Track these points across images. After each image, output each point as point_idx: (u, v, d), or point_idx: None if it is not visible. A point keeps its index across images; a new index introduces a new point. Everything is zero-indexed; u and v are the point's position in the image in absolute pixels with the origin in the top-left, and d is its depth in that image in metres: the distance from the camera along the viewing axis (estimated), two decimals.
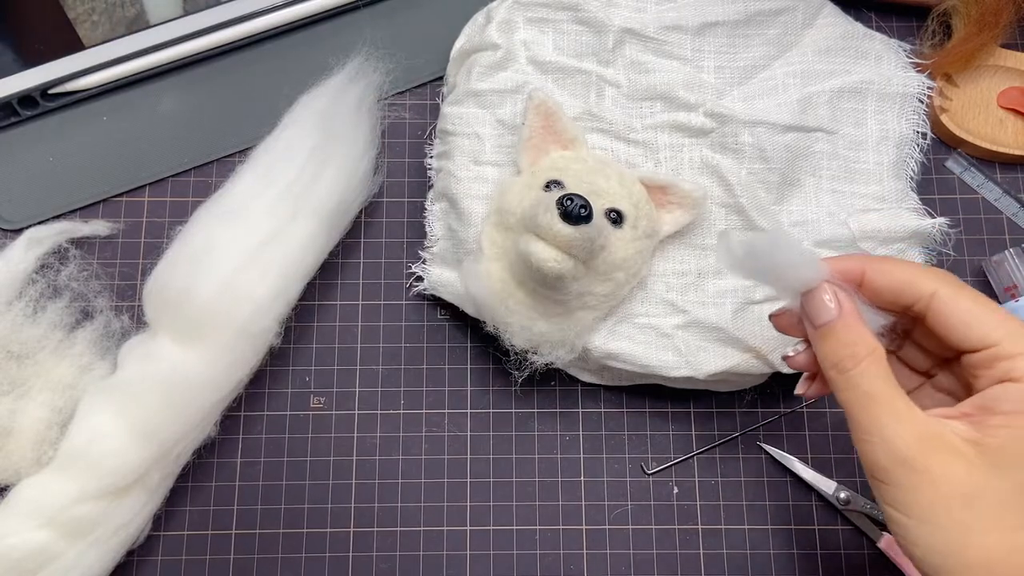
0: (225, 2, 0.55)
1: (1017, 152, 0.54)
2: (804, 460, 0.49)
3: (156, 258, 0.46)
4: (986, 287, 0.52)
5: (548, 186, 0.45)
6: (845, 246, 0.49)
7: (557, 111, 0.48)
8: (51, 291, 0.50)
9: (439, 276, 0.50)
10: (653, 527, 0.48)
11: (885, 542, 0.47)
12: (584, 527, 0.48)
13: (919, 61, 0.54)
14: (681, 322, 0.48)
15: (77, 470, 0.42)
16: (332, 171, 0.48)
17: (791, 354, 0.40)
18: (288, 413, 0.50)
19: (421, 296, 0.52)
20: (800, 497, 0.49)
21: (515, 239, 0.44)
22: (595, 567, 0.48)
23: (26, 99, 0.53)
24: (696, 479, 0.49)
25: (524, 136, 0.48)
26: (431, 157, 0.53)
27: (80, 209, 0.53)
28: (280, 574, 0.47)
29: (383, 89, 0.52)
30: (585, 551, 0.48)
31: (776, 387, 0.50)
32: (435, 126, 0.53)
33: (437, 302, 0.52)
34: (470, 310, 0.49)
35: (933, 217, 0.50)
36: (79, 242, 0.51)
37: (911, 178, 0.52)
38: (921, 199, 0.51)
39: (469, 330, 0.51)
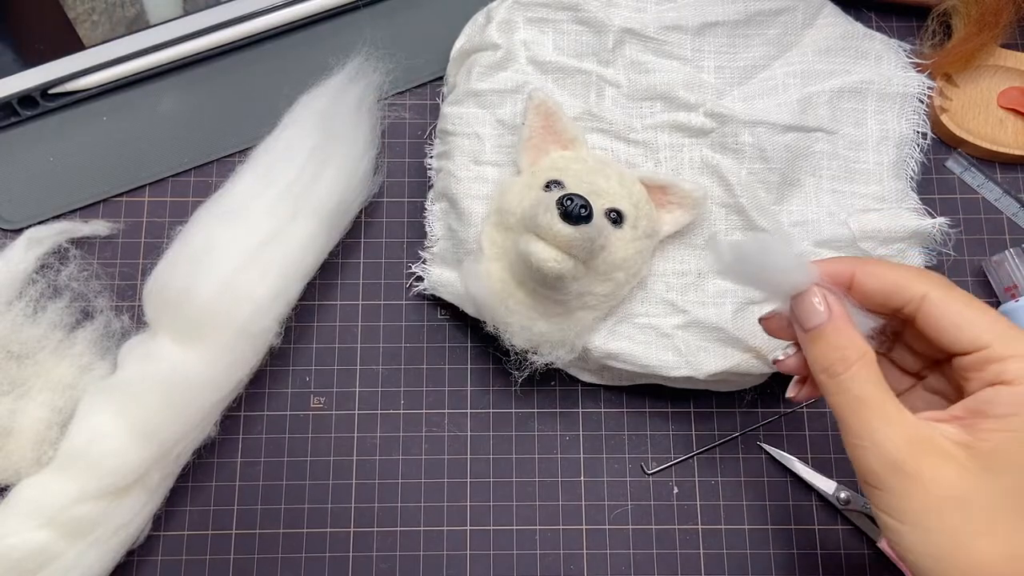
0: (225, 2, 0.55)
1: (1017, 152, 0.54)
2: (804, 460, 0.49)
3: (156, 258, 0.46)
4: (986, 287, 0.52)
5: (548, 186, 0.45)
6: (845, 246, 0.49)
7: (557, 111, 0.48)
8: (51, 291, 0.50)
9: (439, 276, 0.50)
10: (653, 527, 0.48)
11: (885, 542, 0.47)
12: (584, 527, 0.48)
13: (919, 61, 0.54)
14: (681, 322, 0.48)
15: (77, 470, 0.42)
16: (332, 171, 0.48)
17: (781, 358, 0.39)
18: (288, 413, 0.50)
19: (421, 296, 0.52)
20: (800, 497, 0.49)
21: (515, 239, 0.44)
22: (595, 567, 0.48)
23: (26, 99, 0.53)
24: (696, 479, 0.49)
25: (524, 136, 0.48)
26: (431, 157, 0.53)
27: (80, 209, 0.53)
28: (280, 574, 0.47)
29: (383, 89, 0.52)
30: (585, 551, 0.48)
31: (776, 387, 0.50)
32: (435, 126, 0.53)
33: (437, 302, 0.52)
34: (470, 310, 0.49)
35: (933, 217, 0.50)
36: (79, 242, 0.51)
37: (911, 178, 0.51)
38: (921, 199, 0.51)
39: (469, 330, 0.51)
